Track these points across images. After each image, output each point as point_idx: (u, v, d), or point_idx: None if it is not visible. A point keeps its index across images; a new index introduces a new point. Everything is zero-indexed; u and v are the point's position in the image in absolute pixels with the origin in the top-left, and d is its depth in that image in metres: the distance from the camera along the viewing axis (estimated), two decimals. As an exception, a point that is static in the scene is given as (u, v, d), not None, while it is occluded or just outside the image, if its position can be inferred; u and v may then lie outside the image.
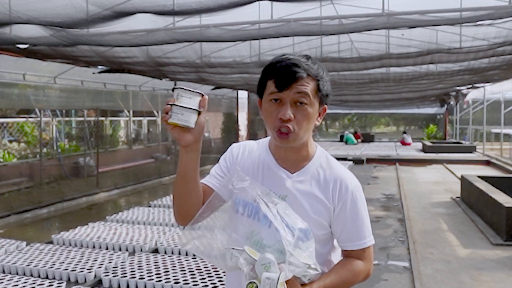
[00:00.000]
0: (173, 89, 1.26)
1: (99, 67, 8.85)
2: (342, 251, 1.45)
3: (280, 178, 1.40)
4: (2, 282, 3.68)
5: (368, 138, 22.41)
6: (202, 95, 1.27)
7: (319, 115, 1.38)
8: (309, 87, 1.29)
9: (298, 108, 1.30)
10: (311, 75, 1.30)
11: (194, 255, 4.37)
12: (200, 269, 3.93)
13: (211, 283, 3.61)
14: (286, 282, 1.15)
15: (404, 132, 21.31)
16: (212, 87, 14.22)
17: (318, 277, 1.25)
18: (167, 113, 1.23)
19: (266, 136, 1.52)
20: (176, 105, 1.22)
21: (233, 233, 1.25)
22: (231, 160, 1.48)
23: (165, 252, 4.54)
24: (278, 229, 1.19)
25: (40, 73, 10.37)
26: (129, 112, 14.94)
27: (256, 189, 1.27)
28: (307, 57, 1.34)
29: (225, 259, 1.20)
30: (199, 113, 1.25)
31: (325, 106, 1.39)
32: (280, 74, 1.28)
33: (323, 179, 1.40)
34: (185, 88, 1.25)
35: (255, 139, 1.57)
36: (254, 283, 1.15)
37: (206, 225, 1.28)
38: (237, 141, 18.01)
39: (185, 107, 1.23)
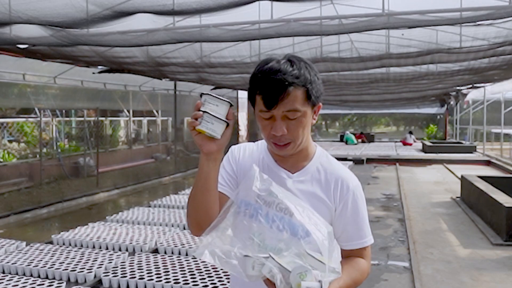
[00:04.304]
0: (201, 94, 1.22)
1: (99, 67, 8.85)
2: (342, 250, 1.44)
3: (280, 179, 1.39)
4: (2, 282, 3.68)
5: (368, 138, 22.41)
6: (231, 105, 1.24)
7: (314, 113, 1.36)
8: (297, 99, 1.26)
9: (290, 121, 1.28)
10: (297, 86, 1.25)
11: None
12: (200, 269, 3.93)
13: (211, 283, 3.61)
14: None
15: (410, 132, 21.24)
16: (212, 87, 14.24)
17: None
18: (196, 118, 1.20)
19: None
20: (208, 113, 1.20)
21: (247, 240, 1.20)
22: (235, 160, 1.47)
23: (165, 252, 4.54)
24: (316, 238, 1.15)
25: (40, 73, 10.37)
26: (129, 112, 14.94)
27: (280, 192, 1.23)
28: (291, 63, 1.27)
29: (246, 267, 1.13)
30: (227, 125, 1.23)
31: (319, 104, 1.37)
32: (266, 92, 1.24)
33: (324, 179, 1.40)
34: (214, 95, 1.21)
35: (255, 139, 1.57)
36: None
37: (218, 233, 1.22)
38: (237, 141, 18.03)
39: (216, 116, 1.20)
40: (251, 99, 1.33)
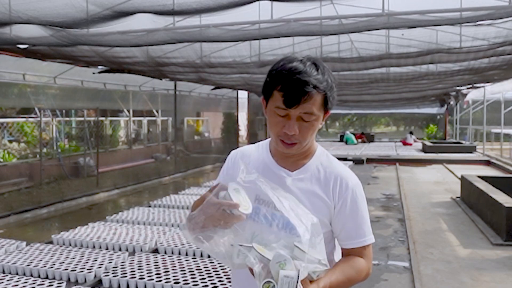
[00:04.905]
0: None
1: (99, 67, 8.85)
2: (342, 249, 1.44)
3: (280, 177, 1.40)
4: (2, 282, 3.68)
5: (368, 138, 22.40)
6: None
7: (323, 119, 1.38)
8: (316, 104, 1.28)
9: (304, 122, 1.30)
10: (320, 91, 1.28)
11: (194, 255, 4.37)
12: (200, 269, 3.93)
13: (211, 283, 3.61)
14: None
15: (411, 132, 21.26)
16: (212, 87, 14.23)
17: (325, 272, 1.23)
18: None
19: (266, 136, 1.52)
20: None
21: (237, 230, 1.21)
22: (233, 163, 1.49)
23: (165, 252, 4.54)
24: (295, 226, 1.16)
25: (40, 73, 10.37)
26: (129, 112, 14.94)
27: (264, 183, 1.25)
28: (316, 67, 1.30)
29: (232, 255, 1.16)
30: None
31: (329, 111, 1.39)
32: (289, 91, 1.25)
33: (324, 177, 1.41)
34: (240, 193, 1.22)
35: (255, 139, 1.57)
36: (271, 282, 1.09)
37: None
38: (237, 141, 18.03)
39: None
40: (267, 93, 1.33)
